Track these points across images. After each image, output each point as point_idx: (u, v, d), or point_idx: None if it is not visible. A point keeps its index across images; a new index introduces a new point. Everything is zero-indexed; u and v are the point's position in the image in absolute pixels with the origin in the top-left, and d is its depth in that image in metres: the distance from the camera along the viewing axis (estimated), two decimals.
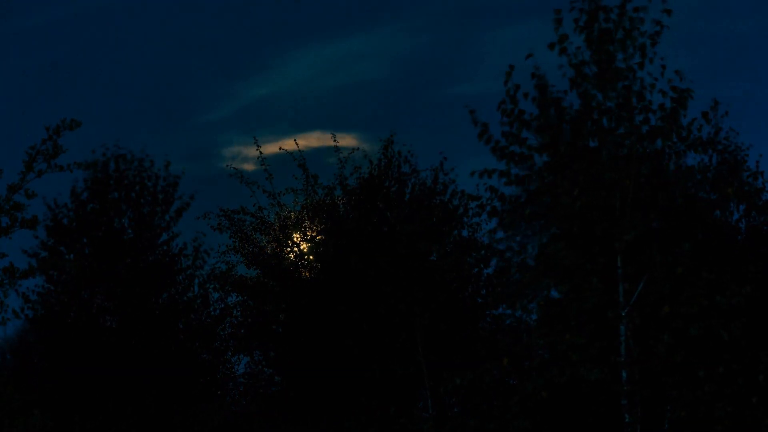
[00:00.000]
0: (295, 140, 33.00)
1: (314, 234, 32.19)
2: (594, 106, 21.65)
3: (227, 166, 33.29)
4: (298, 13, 70.42)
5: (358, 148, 32.75)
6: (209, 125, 71.97)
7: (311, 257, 31.94)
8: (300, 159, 32.72)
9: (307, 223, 32.27)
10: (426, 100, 68.40)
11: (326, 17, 72.22)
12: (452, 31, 72.54)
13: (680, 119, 21.58)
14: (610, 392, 21.63)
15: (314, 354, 31.29)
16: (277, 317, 32.52)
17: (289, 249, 32.21)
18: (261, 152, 33.11)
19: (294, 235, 32.10)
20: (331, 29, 73.90)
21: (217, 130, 72.91)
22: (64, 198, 32.94)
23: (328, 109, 69.25)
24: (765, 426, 21.92)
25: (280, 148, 32.93)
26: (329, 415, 31.31)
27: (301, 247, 32.17)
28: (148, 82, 70.29)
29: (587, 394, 21.87)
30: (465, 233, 31.82)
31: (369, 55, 71.03)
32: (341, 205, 32.19)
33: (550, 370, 22.04)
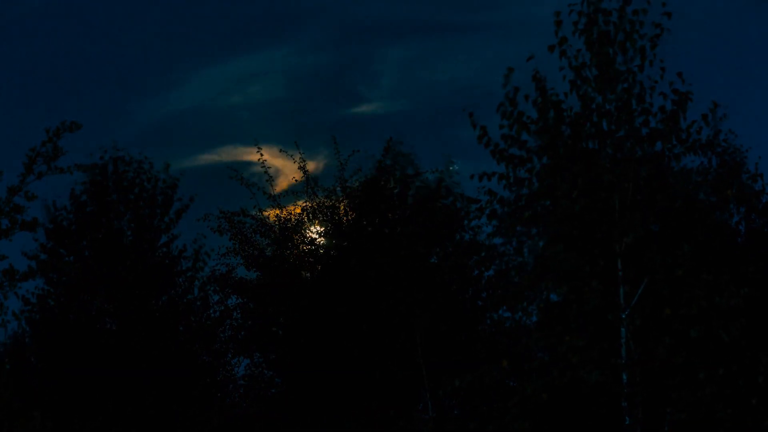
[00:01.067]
0: (295, 142, 33.05)
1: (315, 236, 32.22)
2: (594, 108, 21.67)
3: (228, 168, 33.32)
4: (199, 31, 70.79)
5: (358, 150, 32.80)
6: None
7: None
8: (300, 161, 32.75)
9: (307, 225, 32.30)
10: (325, 118, 68.78)
11: (229, 36, 72.50)
12: (348, 50, 72.91)
13: (680, 122, 21.60)
14: (611, 394, 21.63)
15: (314, 356, 31.29)
16: (277, 319, 32.53)
17: (298, 239, 32.06)
18: (261, 154, 33.16)
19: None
20: (232, 48, 74.19)
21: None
22: (62, 200, 32.95)
23: (231, 127, 69.28)
24: (765, 428, 21.93)
25: (280, 150, 32.97)
26: (329, 417, 31.31)
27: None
28: (52, 98, 70.04)
29: (587, 396, 21.87)
30: (467, 236, 31.85)
31: (268, 73, 71.33)
32: (342, 207, 32.21)
33: (550, 372, 22.04)
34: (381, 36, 73.53)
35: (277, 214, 32.56)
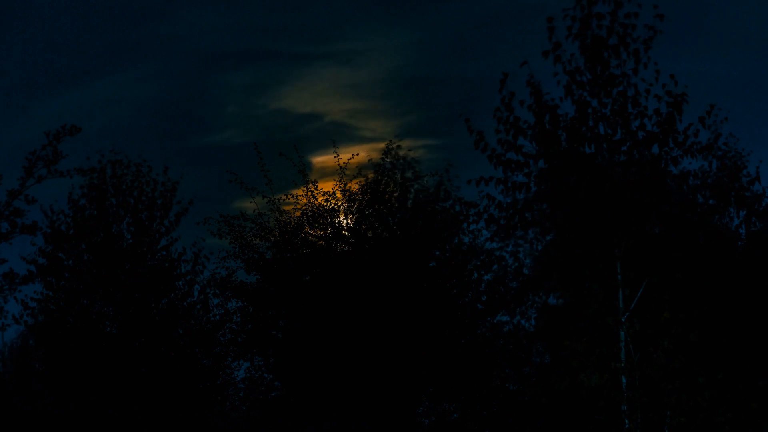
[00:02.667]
0: (295, 146, 33.01)
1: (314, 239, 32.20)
2: (589, 112, 21.64)
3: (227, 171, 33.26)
4: (52, 56, 71.14)
5: (357, 154, 32.78)
6: None
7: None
8: (300, 165, 32.73)
9: (307, 228, 32.28)
10: (176, 147, 69.18)
11: (79, 62, 72.84)
12: (191, 79, 73.36)
13: (676, 124, 21.56)
14: (610, 398, 21.57)
15: (314, 359, 31.27)
16: (277, 323, 32.51)
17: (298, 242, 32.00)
18: (261, 158, 33.11)
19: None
20: (83, 74, 74.51)
21: None
22: (60, 205, 32.89)
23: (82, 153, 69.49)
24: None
25: (280, 154, 32.93)
26: (329, 420, 31.29)
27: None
28: None
29: (587, 400, 21.83)
30: (465, 239, 31.85)
31: (122, 100, 71.67)
32: (342, 210, 32.19)
33: (550, 375, 21.99)
34: (223, 65, 74.48)
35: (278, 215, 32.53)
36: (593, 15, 21.36)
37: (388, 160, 32.25)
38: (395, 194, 32.06)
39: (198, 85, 72.08)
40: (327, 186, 32.64)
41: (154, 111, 70.04)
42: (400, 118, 69.81)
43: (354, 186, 32.25)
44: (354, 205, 31.98)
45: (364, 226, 31.68)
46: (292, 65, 73.71)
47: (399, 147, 32.31)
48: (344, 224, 31.94)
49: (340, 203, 32.11)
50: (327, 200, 32.30)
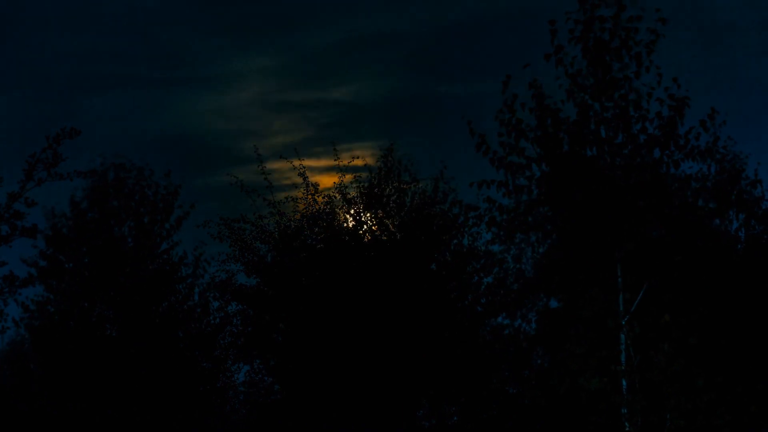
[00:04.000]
0: (295, 149, 33.04)
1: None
2: (591, 115, 21.64)
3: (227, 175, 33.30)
4: None
5: (357, 157, 32.80)
6: None
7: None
8: (300, 168, 32.76)
9: (307, 231, 32.28)
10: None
11: None
12: (53, 103, 73.34)
13: (678, 128, 21.58)
14: (610, 401, 21.58)
15: (314, 362, 31.27)
16: (277, 326, 32.50)
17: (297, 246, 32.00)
18: (261, 160, 33.15)
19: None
20: None
21: None
22: (62, 207, 32.91)
23: None
24: None
25: (280, 157, 32.98)
26: (329, 423, 31.28)
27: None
28: None
29: (587, 403, 21.83)
30: (465, 242, 31.85)
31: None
32: (341, 213, 32.20)
33: (550, 379, 21.98)
34: (87, 89, 74.82)
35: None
36: (596, 18, 21.37)
37: (382, 163, 32.30)
38: (393, 197, 32.08)
39: (62, 109, 71.99)
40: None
41: (16, 134, 69.81)
42: (270, 138, 70.36)
43: (352, 192, 32.30)
44: (352, 208, 32.01)
45: (363, 229, 31.69)
46: (157, 89, 74.26)
47: (393, 150, 32.38)
48: (344, 227, 31.96)
49: (339, 205, 32.14)
50: (327, 203, 32.32)
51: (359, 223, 31.84)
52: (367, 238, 31.73)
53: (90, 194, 32.90)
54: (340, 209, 32.20)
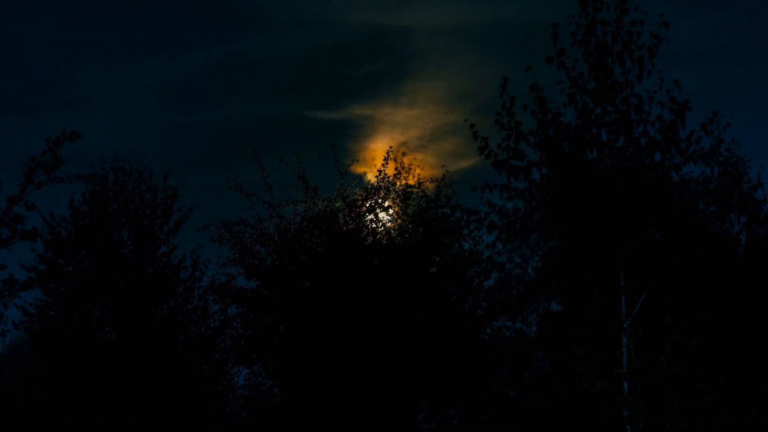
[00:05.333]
0: (295, 152, 33.02)
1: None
2: (593, 119, 21.66)
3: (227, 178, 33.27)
4: None
5: (357, 160, 32.80)
6: None
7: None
8: (300, 170, 32.72)
9: (307, 234, 32.25)
10: None
11: None
12: None
13: (679, 131, 21.60)
14: (612, 403, 21.60)
15: (314, 365, 31.25)
16: (277, 329, 32.48)
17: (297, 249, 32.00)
18: (260, 164, 33.10)
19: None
20: None
21: None
22: (60, 211, 32.91)
23: None
24: None
25: (280, 160, 32.94)
26: (330, 426, 31.27)
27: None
28: None
29: (588, 406, 21.84)
30: (466, 246, 31.86)
31: None
32: (341, 216, 32.18)
33: (551, 381, 22.00)
34: None
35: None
36: (598, 21, 21.39)
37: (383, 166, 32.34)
38: (396, 200, 32.11)
39: None
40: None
41: None
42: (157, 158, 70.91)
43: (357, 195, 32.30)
44: (354, 211, 32.00)
45: (365, 232, 31.69)
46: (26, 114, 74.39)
47: (404, 153, 32.44)
48: (344, 230, 31.95)
49: (341, 209, 32.12)
50: (327, 205, 32.31)
51: (360, 224, 31.85)
52: (368, 241, 31.72)
53: (89, 198, 32.90)
54: (341, 212, 32.18)
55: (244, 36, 75.90)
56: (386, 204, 31.90)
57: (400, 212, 32.26)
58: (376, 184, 32.18)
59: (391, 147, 32.57)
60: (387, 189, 32.06)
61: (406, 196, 32.21)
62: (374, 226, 31.64)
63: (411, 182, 32.65)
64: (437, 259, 31.68)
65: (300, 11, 73.85)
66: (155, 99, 75.61)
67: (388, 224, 31.88)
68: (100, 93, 75.20)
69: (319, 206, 32.30)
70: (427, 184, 32.60)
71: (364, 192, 32.03)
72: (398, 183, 32.44)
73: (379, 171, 32.43)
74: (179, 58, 75.21)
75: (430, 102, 70.53)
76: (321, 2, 73.21)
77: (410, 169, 32.57)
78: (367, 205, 31.87)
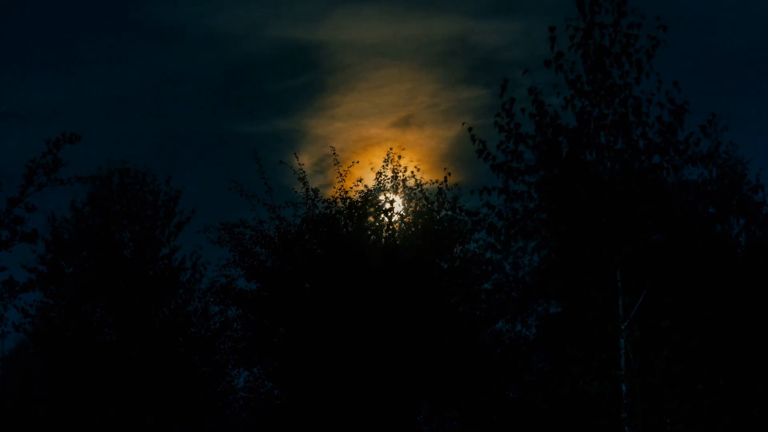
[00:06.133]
0: (295, 154, 33.07)
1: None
2: (591, 121, 21.65)
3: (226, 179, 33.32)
4: None
5: (357, 161, 32.83)
6: None
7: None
8: (300, 173, 32.76)
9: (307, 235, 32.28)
10: None
11: None
12: None
13: (677, 133, 21.59)
14: (610, 405, 21.58)
15: (314, 367, 31.27)
16: (277, 330, 32.51)
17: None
18: (260, 165, 33.15)
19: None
20: None
21: None
22: (62, 212, 32.94)
23: None
24: None
25: (280, 162, 33.02)
26: (330, 428, 31.29)
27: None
28: None
29: (587, 407, 21.83)
30: (472, 246, 31.87)
31: None
32: (342, 218, 32.21)
33: (551, 382, 21.99)
34: None
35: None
36: (596, 24, 21.39)
37: (387, 169, 32.35)
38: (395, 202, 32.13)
39: None
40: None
41: None
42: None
43: (354, 195, 32.32)
44: (354, 213, 32.03)
45: (368, 233, 31.72)
46: None
47: (399, 156, 32.45)
48: (344, 232, 31.98)
49: (341, 210, 32.14)
50: (327, 208, 32.34)
51: (360, 227, 31.88)
52: (369, 242, 31.75)
53: (92, 199, 32.94)
54: (341, 214, 32.21)
55: (160, 50, 76.16)
56: (391, 198, 31.95)
57: (407, 210, 32.27)
58: (377, 185, 32.23)
59: (391, 148, 32.65)
60: (395, 185, 32.13)
61: (408, 197, 32.26)
62: (377, 225, 31.67)
63: (409, 184, 32.65)
64: (438, 261, 31.69)
65: (214, 26, 74.00)
66: (75, 114, 75.59)
67: (394, 223, 31.89)
68: (10, 106, 75.30)
69: (319, 208, 32.36)
70: (427, 182, 32.62)
71: (364, 192, 32.09)
72: (398, 184, 32.47)
73: (379, 173, 32.49)
74: (94, 74, 75.35)
75: (352, 116, 70.71)
76: (235, 17, 73.32)
77: (406, 170, 32.59)
78: (371, 209, 31.92)
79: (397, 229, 31.77)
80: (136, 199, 33.06)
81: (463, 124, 21.82)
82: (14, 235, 25.56)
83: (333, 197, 32.50)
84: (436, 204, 32.24)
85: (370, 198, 31.91)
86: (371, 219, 31.86)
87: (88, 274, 32.66)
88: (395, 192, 32.37)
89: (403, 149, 32.55)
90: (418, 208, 32.31)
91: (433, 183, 32.54)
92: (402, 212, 32.14)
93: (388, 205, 31.86)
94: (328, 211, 32.26)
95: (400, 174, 32.48)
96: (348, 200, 32.24)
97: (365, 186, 32.32)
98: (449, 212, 32.00)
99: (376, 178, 32.38)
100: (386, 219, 31.80)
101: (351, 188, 32.34)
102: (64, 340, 32.28)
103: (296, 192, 32.68)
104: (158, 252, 33.25)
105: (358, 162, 32.74)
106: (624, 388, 21.47)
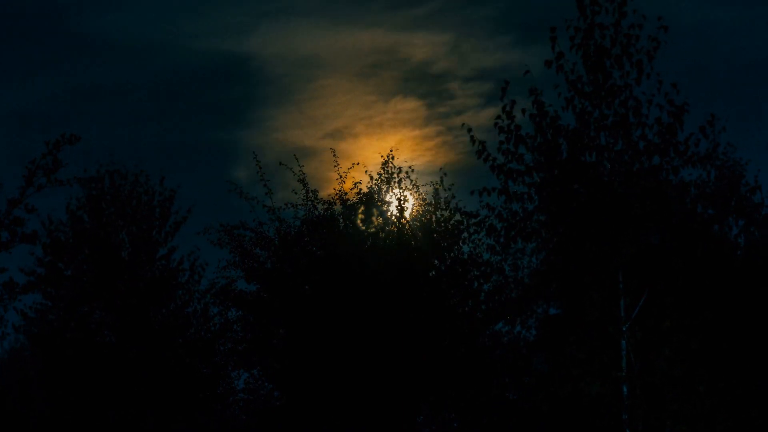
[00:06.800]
0: (294, 155, 33.06)
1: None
2: (591, 122, 21.67)
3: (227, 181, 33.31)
4: None
5: (357, 163, 32.83)
6: None
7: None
8: (300, 174, 32.75)
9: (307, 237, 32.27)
10: None
11: None
12: None
13: (677, 134, 21.61)
14: (611, 406, 21.60)
15: (314, 368, 31.26)
16: (277, 332, 32.50)
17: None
18: (260, 167, 33.12)
19: None
20: None
21: None
22: (58, 214, 32.89)
23: None
24: None
25: (280, 164, 32.99)
26: (329, 430, 31.28)
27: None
28: None
29: (588, 409, 21.84)
30: (466, 249, 31.85)
31: None
32: (341, 220, 32.21)
33: (551, 384, 22.00)
34: None
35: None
36: (596, 25, 21.41)
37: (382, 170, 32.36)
38: (394, 204, 32.13)
39: None
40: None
41: None
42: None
43: (352, 195, 32.31)
44: (352, 214, 32.03)
45: (366, 235, 31.71)
46: None
47: (393, 157, 32.45)
48: (344, 233, 31.98)
49: (340, 212, 32.15)
50: (327, 209, 32.34)
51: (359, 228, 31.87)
52: (368, 243, 31.74)
53: (87, 202, 32.88)
54: (340, 215, 32.20)
55: (91, 61, 75.79)
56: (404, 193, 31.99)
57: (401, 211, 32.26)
58: (374, 185, 32.24)
59: (391, 150, 32.63)
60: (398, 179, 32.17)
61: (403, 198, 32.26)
62: (379, 222, 31.68)
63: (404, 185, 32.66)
64: (437, 262, 31.68)
65: (144, 38, 73.68)
66: (7, 126, 75.24)
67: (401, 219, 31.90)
68: None
69: (319, 209, 32.35)
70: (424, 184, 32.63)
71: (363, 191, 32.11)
72: (393, 185, 32.47)
73: (379, 174, 32.49)
74: (23, 85, 74.91)
75: (286, 127, 70.71)
76: (164, 29, 73.03)
77: (400, 171, 32.58)
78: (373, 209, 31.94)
79: (407, 226, 31.76)
80: (130, 200, 33.02)
81: (463, 125, 21.85)
82: (14, 237, 25.53)
83: (332, 198, 32.49)
84: (432, 205, 32.24)
85: (374, 196, 31.90)
86: (375, 220, 31.85)
87: (86, 275, 32.63)
88: (390, 192, 32.38)
89: (396, 149, 32.54)
90: (415, 209, 32.31)
91: (427, 184, 32.57)
92: (397, 213, 32.12)
93: (395, 203, 31.87)
94: (328, 213, 32.26)
95: (395, 174, 32.49)
96: (347, 201, 32.25)
97: (366, 187, 32.30)
98: (445, 212, 32.00)
99: (379, 175, 32.36)
100: (396, 215, 31.82)
101: (354, 187, 32.34)
102: (62, 341, 32.26)
103: (295, 193, 32.63)
104: (156, 253, 33.21)
105: (358, 164, 32.75)
106: (625, 389, 21.49)
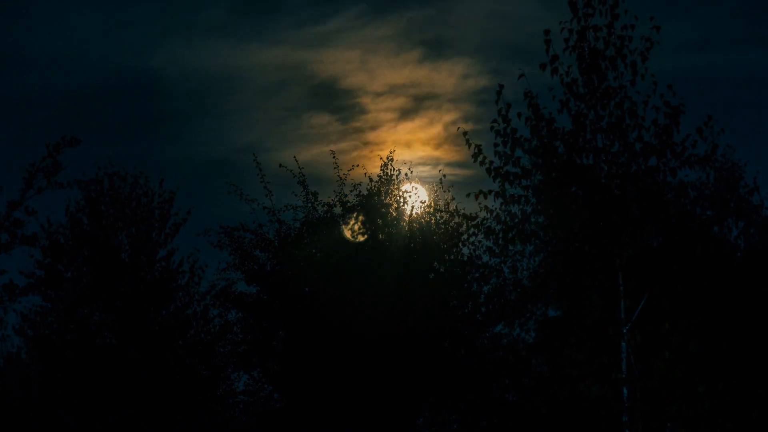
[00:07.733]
0: (294, 157, 33.10)
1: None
2: (587, 124, 21.69)
3: (226, 183, 33.34)
4: None
5: (357, 165, 32.87)
6: None
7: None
8: (300, 176, 32.78)
9: (307, 239, 32.29)
10: None
11: None
12: None
13: (674, 135, 21.63)
14: (611, 408, 21.61)
15: (314, 370, 31.29)
16: (277, 334, 32.52)
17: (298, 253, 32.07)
18: (260, 169, 33.16)
19: None
20: None
21: None
22: (57, 217, 32.92)
23: None
24: None
25: (280, 165, 33.04)
26: (329, 430, 31.31)
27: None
28: None
29: (587, 411, 21.85)
30: (465, 251, 31.90)
31: None
32: (340, 222, 32.24)
33: (550, 386, 22.01)
34: None
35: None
36: (590, 27, 21.43)
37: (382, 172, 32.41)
38: (393, 206, 32.15)
39: None
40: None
41: None
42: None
43: (351, 197, 32.36)
44: (352, 216, 32.05)
45: (364, 238, 31.72)
46: None
47: (392, 159, 32.50)
48: (344, 235, 32.00)
49: (339, 213, 32.18)
50: (326, 211, 32.37)
51: (359, 230, 31.88)
52: (367, 245, 31.77)
53: (86, 204, 32.90)
54: (339, 217, 32.24)
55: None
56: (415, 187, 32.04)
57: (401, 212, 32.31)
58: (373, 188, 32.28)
59: (391, 151, 32.67)
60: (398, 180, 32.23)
61: (402, 199, 32.31)
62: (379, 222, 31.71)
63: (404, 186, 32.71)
64: (436, 264, 31.72)
65: (49, 51, 73.07)
66: None
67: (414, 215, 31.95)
68: None
69: (319, 211, 32.39)
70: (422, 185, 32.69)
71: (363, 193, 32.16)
72: (392, 187, 32.52)
73: (379, 176, 32.54)
74: None
75: (198, 142, 70.88)
76: (70, 44, 72.48)
77: (400, 173, 32.64)
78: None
79: (406, 228, 31.80)
80: (129, 202, 33.03)
81: (458, 128, 21.83)
82: (14, 239, 25.54)
83: (332, 201, 32.54)
84: (432, 207, 32.28)
85: (378, 195, 31.95)
86: (368, 228, 31.87)
87: (85, 277, 32.65)
88: (389, 195, 32.42)
89: (394, 151, 32.59)
90: (414, 211, 32.36)
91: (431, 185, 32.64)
92: (395, 213, 32.18)
93: (407, 199, 31.93)
94: (328, 215, 32.30)
95: (395, 176, 32.54)
96: (347, 203, 32.29)
97: (368, 188, 32.34)
98: (445, 214, 32.03)
99: (379, 177, 32.40)
100: (407, 212, 31.87)
101: (355, 186, 32.40)
102: (62, 343, 32.28)
103: (295, 195, 32.67)
104: (155, 254, 33.23)
105: (358, 165, 32.81)
106: (625, 391, 21.50)
